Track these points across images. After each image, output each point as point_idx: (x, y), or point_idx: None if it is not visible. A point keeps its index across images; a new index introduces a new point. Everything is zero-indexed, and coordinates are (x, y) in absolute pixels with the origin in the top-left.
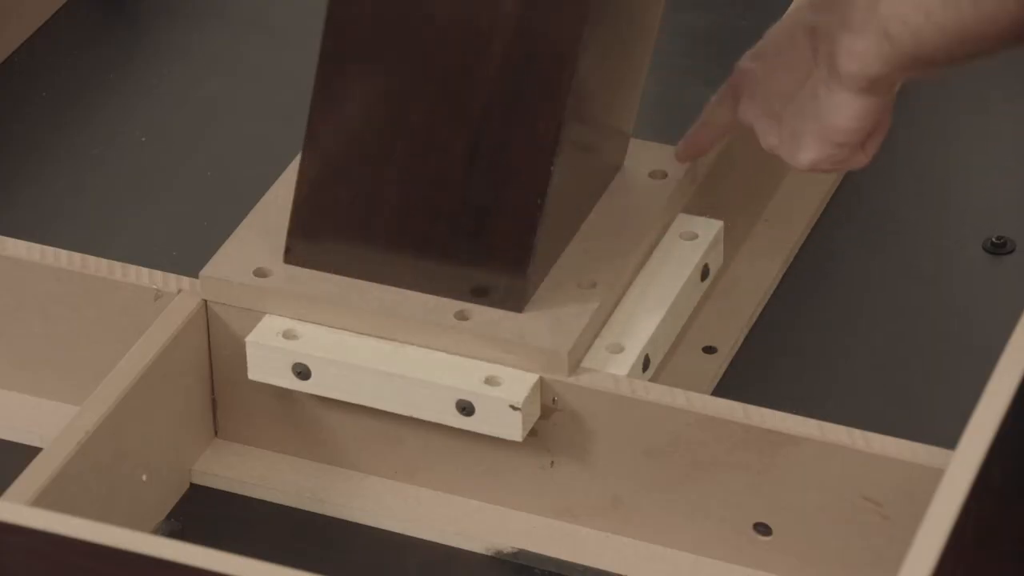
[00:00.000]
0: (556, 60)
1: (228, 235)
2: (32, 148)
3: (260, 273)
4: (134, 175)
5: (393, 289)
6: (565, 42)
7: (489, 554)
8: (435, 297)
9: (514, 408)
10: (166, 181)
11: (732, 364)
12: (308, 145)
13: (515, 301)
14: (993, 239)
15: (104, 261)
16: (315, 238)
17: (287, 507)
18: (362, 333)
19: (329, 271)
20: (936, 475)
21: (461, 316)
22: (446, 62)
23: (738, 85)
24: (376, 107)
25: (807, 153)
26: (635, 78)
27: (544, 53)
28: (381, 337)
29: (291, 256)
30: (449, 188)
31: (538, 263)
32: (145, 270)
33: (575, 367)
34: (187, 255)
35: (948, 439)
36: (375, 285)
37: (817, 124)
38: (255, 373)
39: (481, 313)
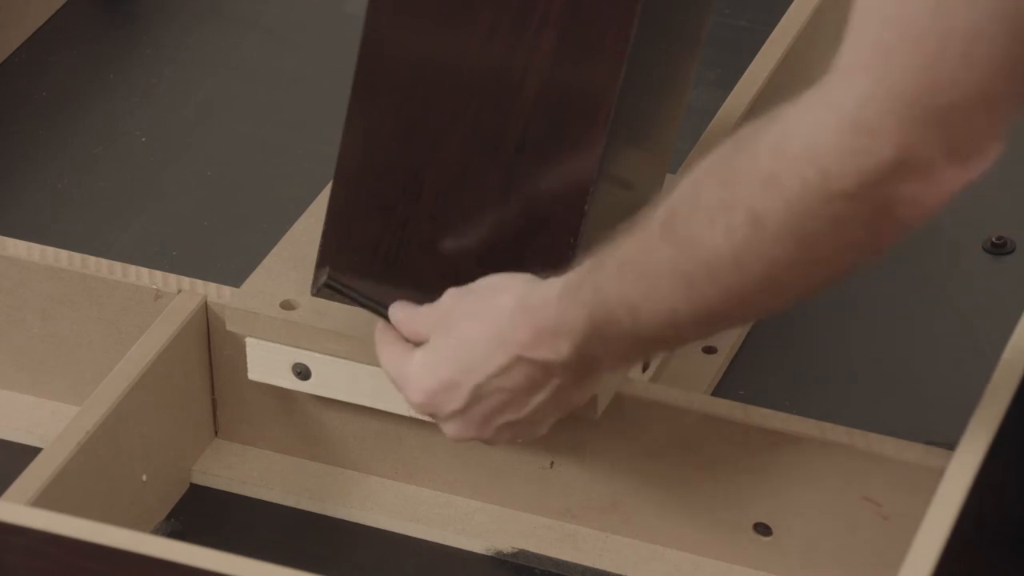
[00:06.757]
0: (592, 101)
1: (228, 235)
2: (32, 148)
3: (287, 306)
4: (134, 175)
5: None
6: (601, 83)
7: (489, 554)
8: None
9: None
10: (166, 181)
11: (732, 364)
12: (338, 177)
13: None
14: (993, 239)
15: (104, 261)
16: (342, 271)
17: (287, 507)
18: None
19: (356, 305)
20: (936, 475)
21: None
22: (480, 99)
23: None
24: (408, 142)
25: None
26: (674, 113)
27: (580, 93)
28: None
29: (318, 289)
30: (481, 226)
31: None
32: (145, 270)
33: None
34: (187, 255)
35: (948, 439)
36: None
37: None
38: (255, 373)
39: None
